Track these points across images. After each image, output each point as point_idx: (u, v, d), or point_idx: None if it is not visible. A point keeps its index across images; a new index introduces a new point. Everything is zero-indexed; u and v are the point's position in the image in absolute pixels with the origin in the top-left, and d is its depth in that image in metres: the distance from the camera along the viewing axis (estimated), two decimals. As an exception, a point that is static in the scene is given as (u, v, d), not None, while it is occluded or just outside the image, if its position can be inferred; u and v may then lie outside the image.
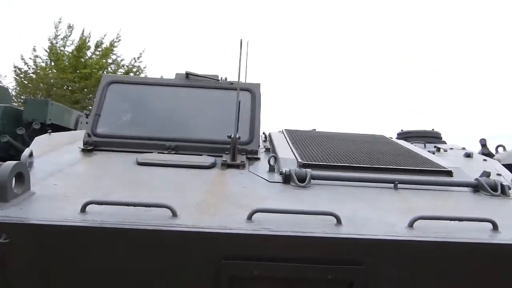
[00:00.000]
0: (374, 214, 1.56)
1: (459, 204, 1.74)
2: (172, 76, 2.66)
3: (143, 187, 1.74)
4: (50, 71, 16.50)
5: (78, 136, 2.54)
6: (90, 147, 2.23)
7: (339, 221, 1.45)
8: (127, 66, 18.63)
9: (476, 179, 1.93)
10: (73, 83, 16.79)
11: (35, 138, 2.62)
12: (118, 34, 15.86)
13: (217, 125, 2.37)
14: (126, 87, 2.51)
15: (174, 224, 1.38)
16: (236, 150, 2.09)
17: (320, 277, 1.41)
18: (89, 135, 2.27)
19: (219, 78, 2.63)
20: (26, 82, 17.16)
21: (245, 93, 2.48)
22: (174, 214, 1.43)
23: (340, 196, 1.75)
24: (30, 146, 2.36)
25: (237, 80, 2.60)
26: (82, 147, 2.24)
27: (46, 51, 15.65)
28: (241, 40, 2.31)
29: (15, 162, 1.48)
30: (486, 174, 1.93)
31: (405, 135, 3.40)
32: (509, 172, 2.34)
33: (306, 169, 1.88)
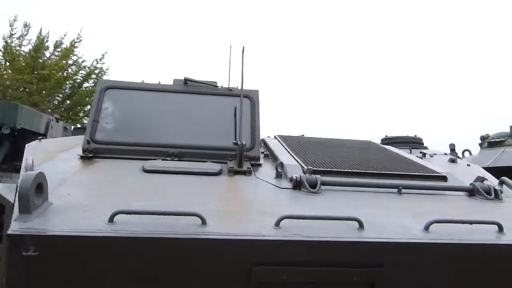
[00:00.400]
0: (389, 218, 1.65)
1: (461, 208, 1.87)
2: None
3: (159, 195, 1.73)
4: (5, 72, 15.68)
5: (71, 143, 2.47)
6: (90, 154, 2.17)
7: (361, 225, 1.52)
8: (89, 68, 18.05)
9: (472, 184, 2.07)
10: (31, 84, 16.04)
11: (26, 145, 2.52)
12: (79, 34, 15.35)
13: (219, 131, 2.38)
14: (124, 93, 2.47)
15: (207, 232, 1.39)
16: (243, 157, 2.12)
17: (345, 280, 1.47)
18: (88, 142, 2.21)
19: (218, 85, 2.64)
20: (-21, 83, 16.20)
21: (245, 100, 2.50)
22: (204, 222, 1.43)
23: (352, 201, 1.82)
24: (25, 154, 2.26)
25: (235, 87, 2.64)
26: (81, 154, 2.18)
27: (0, 50, 14.89)
28: (243, 47, 2.35)
29: (35, 172, 1.43)
30: (480, 179, 2.08)
31: (389, 141, 3.56)
32: (493, 176, 2.50)
33: (316, 175, 1.94)
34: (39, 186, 1.46)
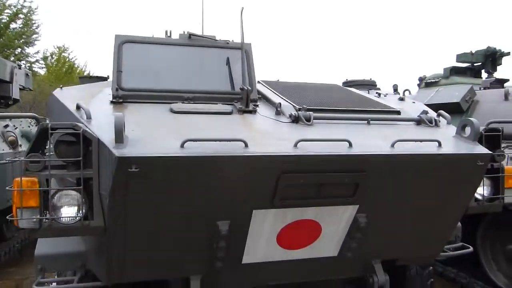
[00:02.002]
0: (366, 140, 2.32)
1: (412, 133, 2.58)
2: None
3: (199, 129, 2.24)
4: None
5: (93, 90, 2.85)
6: (120, 100, 2.58)
7: (350, 144, 2.18)
8: (14, 7, 16.82)
9: (419, 116, 2.78)
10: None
11: (53, 92, 2.86)
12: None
13: (222, 78, 2.87)
14: (139, 46, 2.85)
15: (250, 152, 1.98)
16: (249, 99, 2.65)
17: (340, 181, 2.16)
18: (117, 89, 2.61)
19: (215, 39, 3.09)
20: None
21: (242, 52, 2.99)
22: (246, 145, 2.01)
23: (338, 130, 2.45)
24: (60, 100, 2.63)
25: (231, 40, 3.11)
26: (112, 99, 2.58)
27: None
28: (242, 8, 2.80)
29: (121, 114, 1.90)
30: (425, 112, 2.81)
31: (350, 84, 4.22)
32: (432, 110, 3.25)
33: (309, 112, 2.55)
34: (124, 124, 1.93)
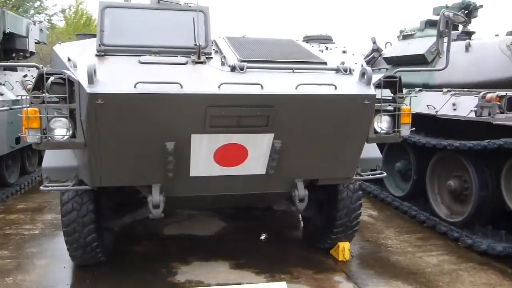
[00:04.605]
0: (279, 84, 3.06)
1: (324, 79, 3.28)
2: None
3: (155, 75, 3.01)
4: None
5: (84, 46, 3.64)
6: (102, 53, 3.37)
7: (262, 87, 2.93)
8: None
9: (337, 66, 3.47)
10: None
11: (53, 48, 3.68)
12: None
13: (184, 36, 3.59)
14: (118, 10, 3.59)
15: (183, 91, 2.78)
16: (200, 52, 3.39)
17: (253, 114, 2.94)
18: (99, 45, 3.39)
19: (179, 3, 3.80)
20: None
21: (200, 13, 3.69)
22: (181, 86, 2.80)
23: (263, 76, 3.18)
24: (59, 53, 3.44)
25: (192, 3, 3.81)
26: (96, 53, 3.38)
27: None
28: None
29: (93, 63, 2.70)
30: (342, 62, 3.49)
31: (308, 38, 4.83)
32: (364, 62, 3.91)
33: (244, 63, 3.28)
34: (95, 70, 2.74)
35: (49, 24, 21.81)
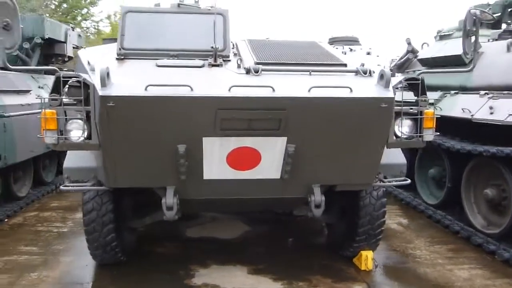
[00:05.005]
0: (293, 87, 2.98)
1: (343, 81, 3.15)
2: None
3: (170, 78, 3.02)
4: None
5: (107, 50, 3.73)
6: (122, 57, 3.44)
7: (274, 89, 2.87)
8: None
9: (357, 68, 3.34)
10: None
11: (78, 52, 3.81)
12: None
13: (203, 39, 3.60)
14: (139, 15, 3.66)
15: (193, 94, 2.77)
16: (216, 55, 3.37)
17: (264, 116, 2.88)
18: (120, 49, 3.46)
19: (199, 6, 3.81)
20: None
21: (219, 17, 3.68)
22: (192, 89, 2.79)
23: (278, 78, 3.13)
24: (82, 58, 3.54)
25: (212, 7, 3.81)
26: (116, 57, 3.45)
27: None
28: None
29: (105, 67, 2.75)
30: (362, 64, 3.35)
31: (333, 40, 4.72)
32: (386, 64, 3.76)
33: (259, 65, 3.23)
34: (108, 73, 2.79)
35: (96, 30, 22.77)
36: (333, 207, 4.42)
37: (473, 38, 3.03)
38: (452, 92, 5.78)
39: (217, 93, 2.83)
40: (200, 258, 4.31)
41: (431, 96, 6.10)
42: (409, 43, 7.15)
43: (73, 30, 7.61)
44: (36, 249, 4.56)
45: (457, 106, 5.32)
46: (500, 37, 6.05)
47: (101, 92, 2.71)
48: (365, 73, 3.26)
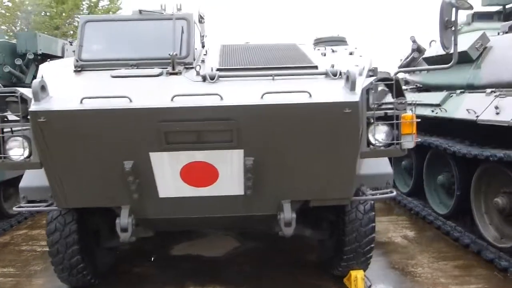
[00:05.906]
0: (246, 94, 2.67)
1: (307, 84, 2.82)
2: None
3: (118, 90, 2.80)
4: (25, -2, 16.52)
5: (68, 62, 3.56)
6: (79, 69, 3.25)
7: (221, 97, 2.58)
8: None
9: (326, 70, 3.00)
10: (50, 8, 16.92)
11: (40, 66, 3.65)
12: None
13: (164, 46, 3.37)
14: (98, 24, 3.47)
15: (130, 105, 2.52)
16: (175, 63, 3.12)
17: (214, 128, 2.59)
18: (77, 61, 3.28)
19: (163, 12, 3.58)
20: (3, 11, 17.23)
21: (182, 21, 3.44)
22: (130, 100, 2.55)
23: (234, 85, 2.84)
24: (39, 71, 3.38)
25: (181, 12, 3.58)
26: (74, 69, 3.27)
27: (18, -22, 15.62)
28: None
29: (39, 79, 2.56)
30: (331, 65, 3.01)
31: (317, 41, 4.38)
32: (366, 64, 3.35)
33: (217, 72, 2.95)
34: (43, 87, 2.60)
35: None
36: (322, 222, 4.07)
37: (451, 31, 2.63)
38: (458, 91, 5.30)
39: (157, 104, 2.57)
40: (178, 279, 4.04)
41: (437, 96, 5.68)
42: (413, 41, 6.69)
43: (71, 44, 7.60)
44: (13, 270, 4.42)
45: (462, 107, 4.86)
46: (510, 30, 5.52)
47: (32, 107, 2.52)
48: (334, 75, 2.92)
